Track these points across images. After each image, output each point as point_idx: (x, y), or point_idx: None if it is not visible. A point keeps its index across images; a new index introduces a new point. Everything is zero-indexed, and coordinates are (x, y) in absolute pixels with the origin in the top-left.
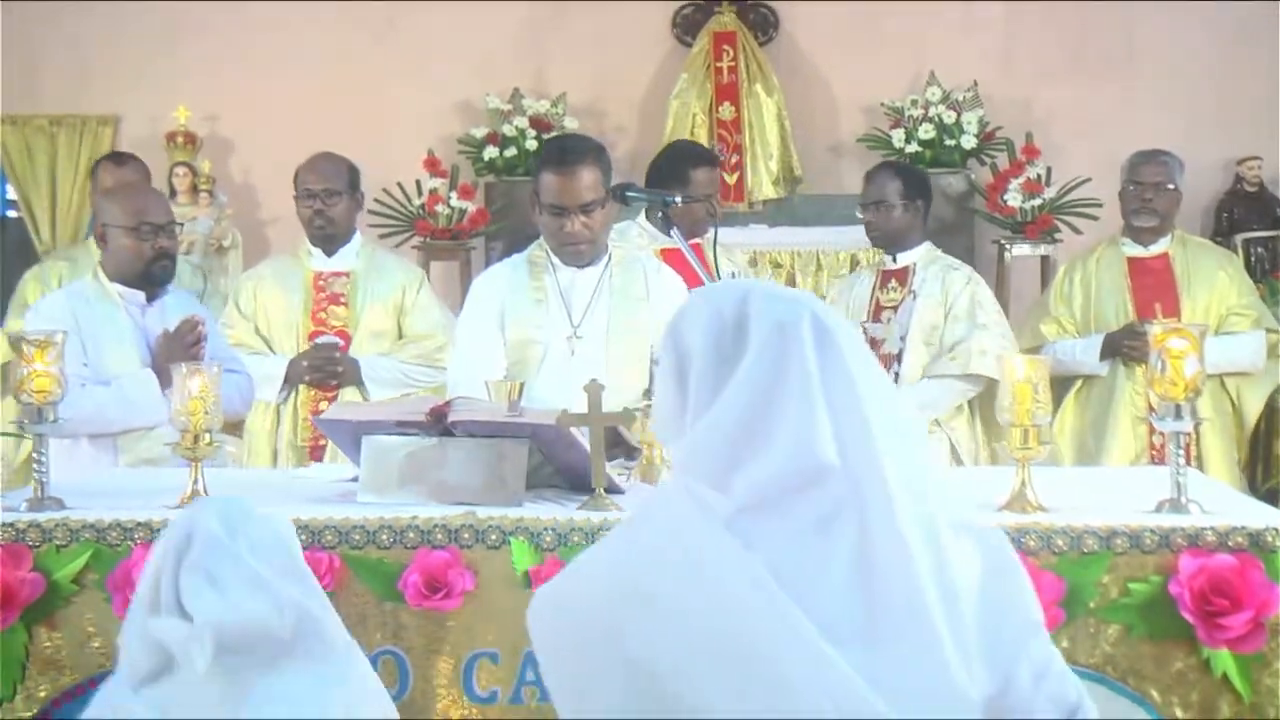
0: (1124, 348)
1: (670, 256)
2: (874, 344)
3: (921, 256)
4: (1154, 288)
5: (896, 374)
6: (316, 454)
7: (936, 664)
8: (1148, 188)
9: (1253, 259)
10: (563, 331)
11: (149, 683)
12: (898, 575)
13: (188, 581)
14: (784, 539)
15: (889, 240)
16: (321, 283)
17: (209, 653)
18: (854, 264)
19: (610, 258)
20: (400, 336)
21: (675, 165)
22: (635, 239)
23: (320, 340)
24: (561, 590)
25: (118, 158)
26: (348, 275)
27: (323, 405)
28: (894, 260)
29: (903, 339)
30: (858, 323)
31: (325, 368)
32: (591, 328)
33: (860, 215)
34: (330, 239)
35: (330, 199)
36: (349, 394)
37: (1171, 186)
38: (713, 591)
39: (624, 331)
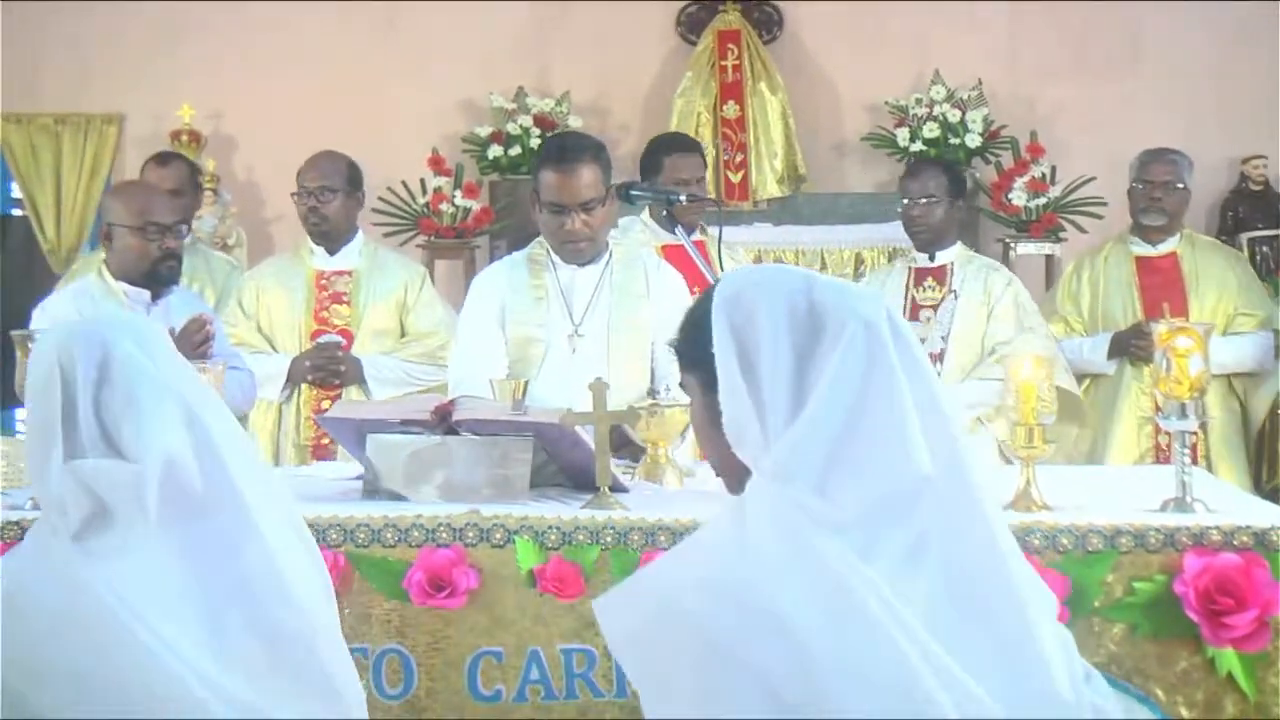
0: (1131, 347)
1: (671, 253)
2: None
3: (958, 255)
4: (1162, 287)
5: (939, 373)
6: (319, 453)
7: (1037, 666)
8: (1157, 186)
9: (1257, 258)
10: (564, 330)
11: (89, 535)
12: (996, 590)
13: (117, 415)
14: (889, 549)
15: (933, 236)
16: (324, 281)
17: (158, 495)
18: (858, 262)
19: (611, 255)
20: (403, 335)
21: (651, 156)
22: (637, 235)
23: (322, 339)
24: (667, 606)
25: (161, 158)
26: (350, 274)
27: (325, 404)
28: (931, 259)
29: (944, 338)
30: None
31: (327, 366)
32: (592, 326)
33: (905, 210)
34: (326, 236)
35: (324, 196)
36: (351, 393)
37: (1180, 185)
38: (847, 610)
39: (625, 329)
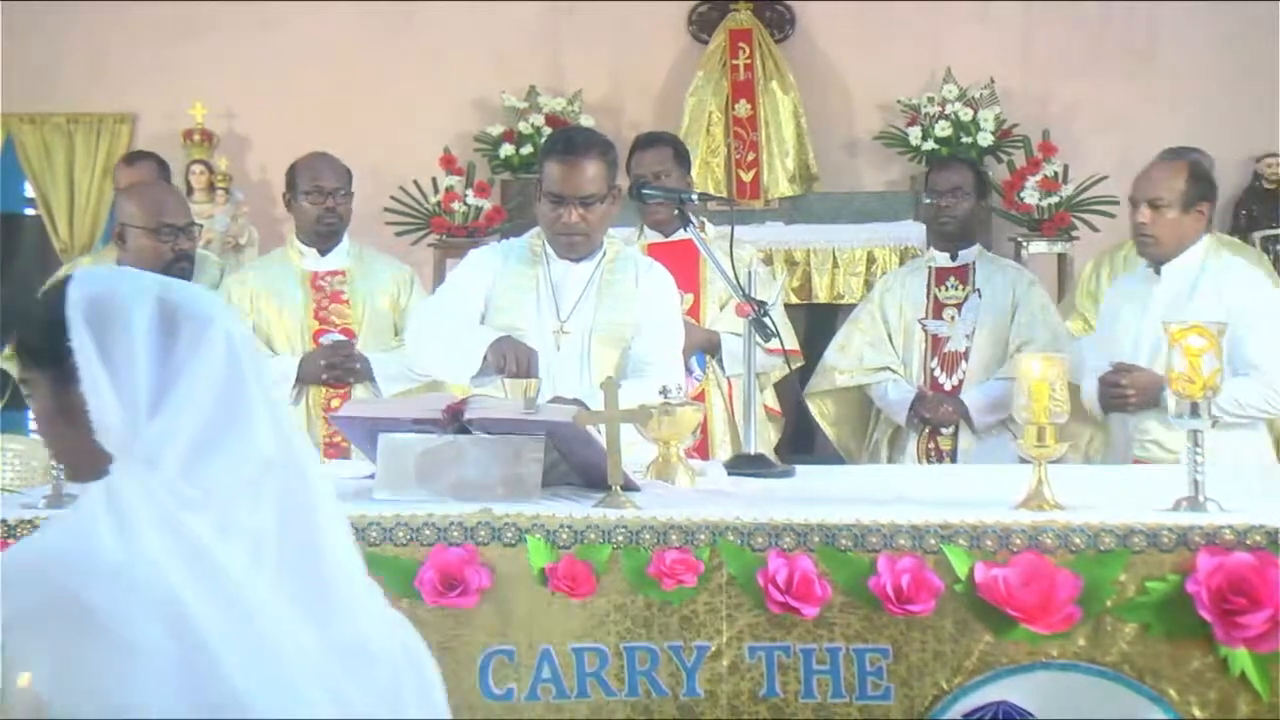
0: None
1: (655, 252)
2: (937, 341)
3: (979, 255)
4: None
5: (964, 371)
6: (330, 452)
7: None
8: None
9: (1270, 257)
10: (549, 325)
11: None
12: (320, 557)
13: None
14: (241, 526)
15: (958, 230)
16: (320, 282)
17: None
18: (870, 261)
19: (605, 254)
20: (396, 333)
21: (626, 159)
22: (628, 233)
23: (326, 339)
24: (54, 591)
25: (129, 158)
26: (343, 274)
27: (335, 403)
28: (952, 258)
29: (968, 336)
30: (916, 319)
31: (344, 365)
32: (579, 323)
33: (931, 204)
34: (334, 236)
35: (339, 197)
36: (360, 391)
37: None
38: (217, 581)
39: (610, 329)
